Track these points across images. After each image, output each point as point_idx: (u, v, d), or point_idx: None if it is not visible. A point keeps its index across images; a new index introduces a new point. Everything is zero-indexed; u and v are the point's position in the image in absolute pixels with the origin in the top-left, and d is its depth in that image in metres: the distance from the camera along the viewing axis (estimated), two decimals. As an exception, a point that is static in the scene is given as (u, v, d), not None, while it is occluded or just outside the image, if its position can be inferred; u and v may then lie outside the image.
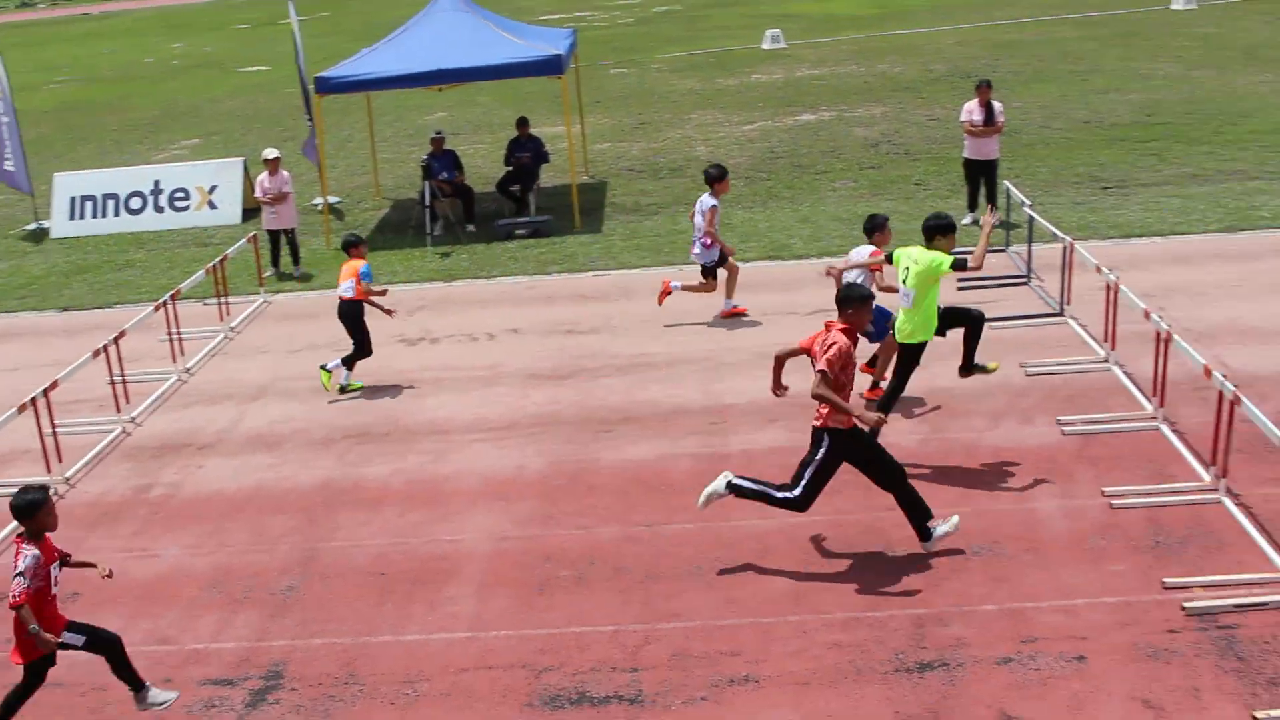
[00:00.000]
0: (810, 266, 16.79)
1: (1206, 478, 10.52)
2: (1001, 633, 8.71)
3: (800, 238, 18.00)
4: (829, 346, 9.36)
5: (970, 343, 11.39)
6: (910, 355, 11.20)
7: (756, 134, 25.20)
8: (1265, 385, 12.21)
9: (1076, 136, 23.05)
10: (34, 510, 7.95)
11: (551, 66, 19.10)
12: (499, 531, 10.62)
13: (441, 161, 20.30)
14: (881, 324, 12.21)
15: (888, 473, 9.68)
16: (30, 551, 7.85)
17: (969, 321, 11.36)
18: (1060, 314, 14.40)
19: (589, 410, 12.90)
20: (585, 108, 25.75)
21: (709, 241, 14.96)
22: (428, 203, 19.76)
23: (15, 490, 8.09)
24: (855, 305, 9.60)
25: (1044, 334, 13.96)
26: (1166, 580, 9.15)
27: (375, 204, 22.40)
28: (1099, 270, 12.88)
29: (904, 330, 11.12)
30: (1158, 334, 11.29)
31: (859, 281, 12.33)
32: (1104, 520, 10.08)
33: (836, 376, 9.33)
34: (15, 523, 8.07)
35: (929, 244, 11.06)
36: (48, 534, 8.07)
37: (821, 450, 9.56)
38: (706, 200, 14.94)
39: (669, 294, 15.27)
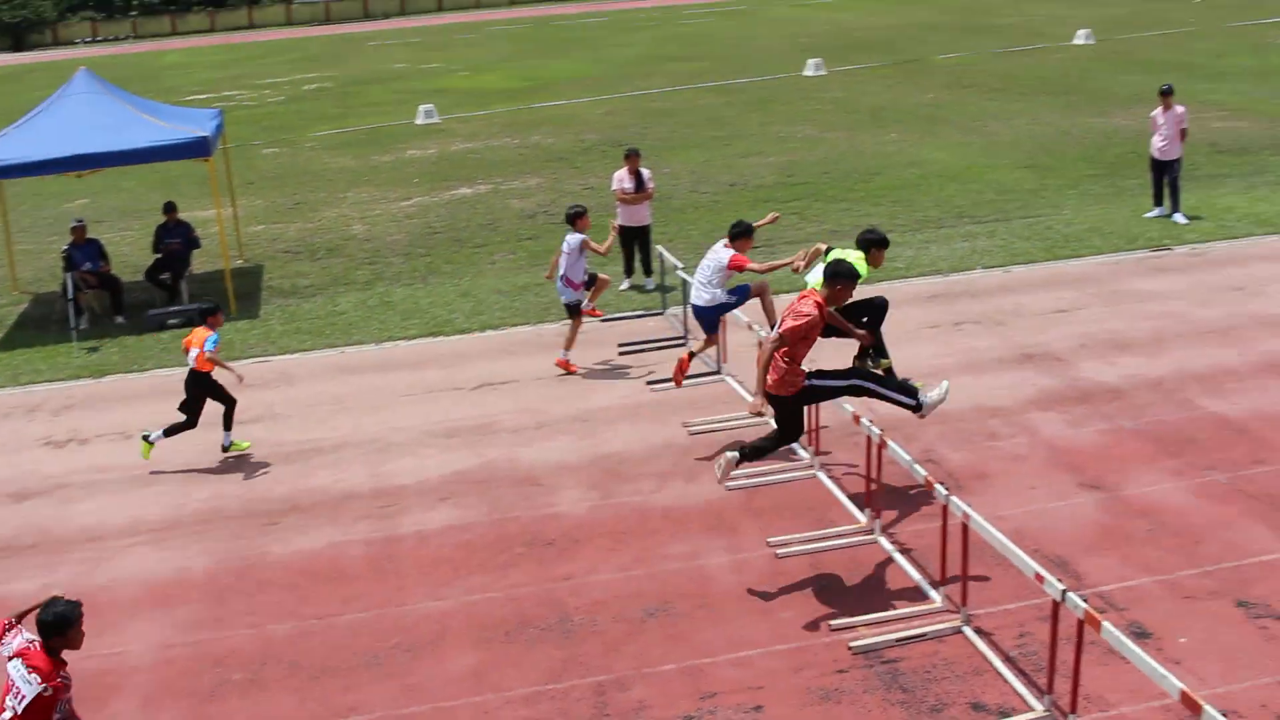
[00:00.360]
0: (475, 339, 16.80)
1: (862, 519, 11.05)
2: (681, 691, 8.86)
3: (462, 313, 18.01)
4: (799, 316, 9.76)
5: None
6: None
7: (414, 210, 25.14)
8: (910, 426, 12.92)
9: (724, 199, 23.99)
10: (67, 626, 7.16)
11: (198, 148, 18.55)
12: (164, 639, 10.11)
13: (84, 251, 19.36)
14: (742, 295, 13.42)
15: (791, 432, 10.26)
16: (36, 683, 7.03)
17: (871, 312, 12.08)
18: (718, 372, 14.88)
19: (254, 503, 12.47)
20: (237, 190, 25.11)
21: (578, 283, 15.11)
22: (70, 295, 18.78)
23: (43, 603, 7.25)
24: (843, 281, 10.03)
25: (704, 393, 14.39)
26: (832, 623, 9.54)
27: (14, 299, 21.12)
28: (750, 328, 13.38)
29: None
30: (807, 386, 11.79)
31: (716, 283, 13.14)
32: (771, 570, 10.43)
33: (794, 345, 9.71)
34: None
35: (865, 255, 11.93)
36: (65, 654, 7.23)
37: (813, 386, 10.03)
38: (574, 238, 15.00)
39: (570, 369, 15.34)
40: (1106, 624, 7.48)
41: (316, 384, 15.47)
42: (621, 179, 18.32)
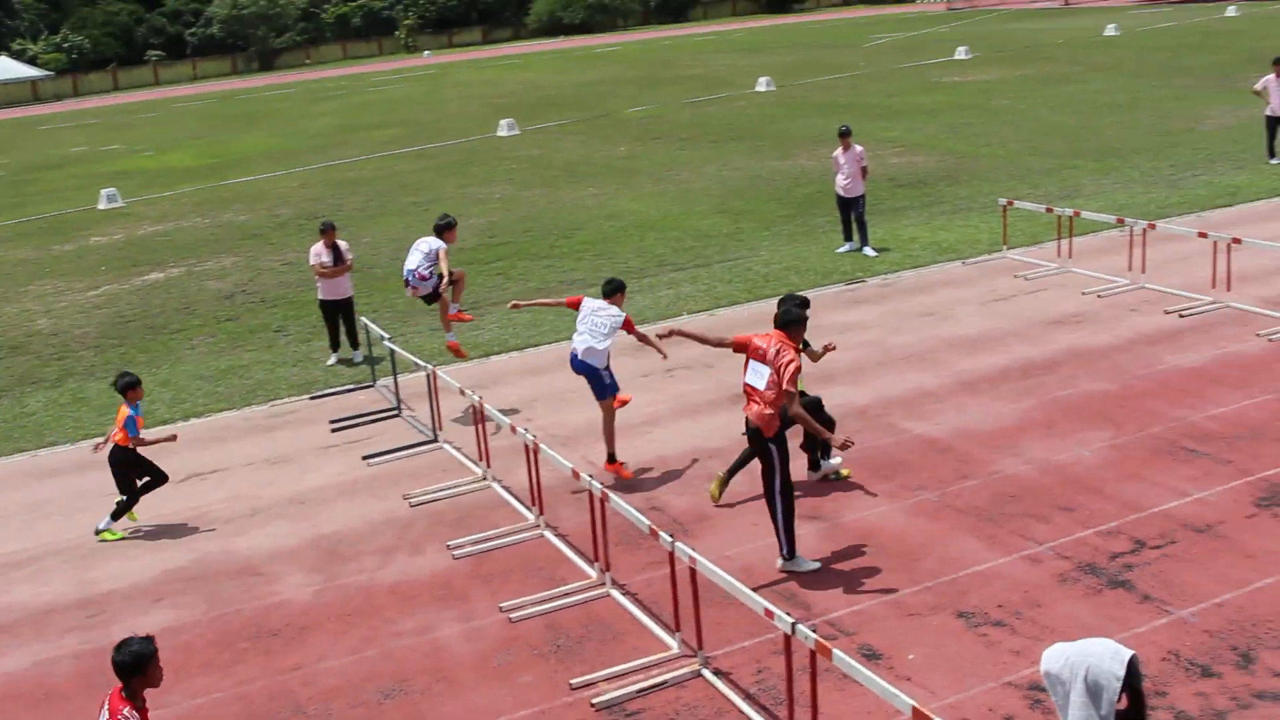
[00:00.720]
0: (179, 429, 16.08)
1: (593, 574, 11.01)
2: (424, 772, 8.60)
3: (163, 402, 17.22)
4: (789, 365, 10.34)
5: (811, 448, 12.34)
6: None
7: (103, 299, 23.99)
8: (632, 477, 13.02)
9: (427, 265, 23.76)
10: (144, 664, 7.15)
11: None
12: None
13: None
14: (612, 385, 13.01)
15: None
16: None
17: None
18: (435, 440, 14.66)
19: (-54, 627, 11.56)
20: (-97, 293, 23.46)
21: (427, 274, 15.42)
22: None
23: (116, 645, 7.22)
24: (794, 328, 10.73)
25: (422, 462, 14.14)
26: (573, 681, 9.44)
27: None
28: (463, 393, 13.24)
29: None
30: (526, 445, 11.73)
31: (611, 337, 12.91)
32: (506, 635, 10.27)
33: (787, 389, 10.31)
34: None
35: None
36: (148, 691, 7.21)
37: (773, 450, 10.58)
38: (435, 242, 15.50)
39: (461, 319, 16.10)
40: (837, 651, 7.63)
41: (8, 493, 14.52)
42: (319, 253, 17.92)
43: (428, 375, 14.42)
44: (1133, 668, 5.72)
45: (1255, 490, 11.54)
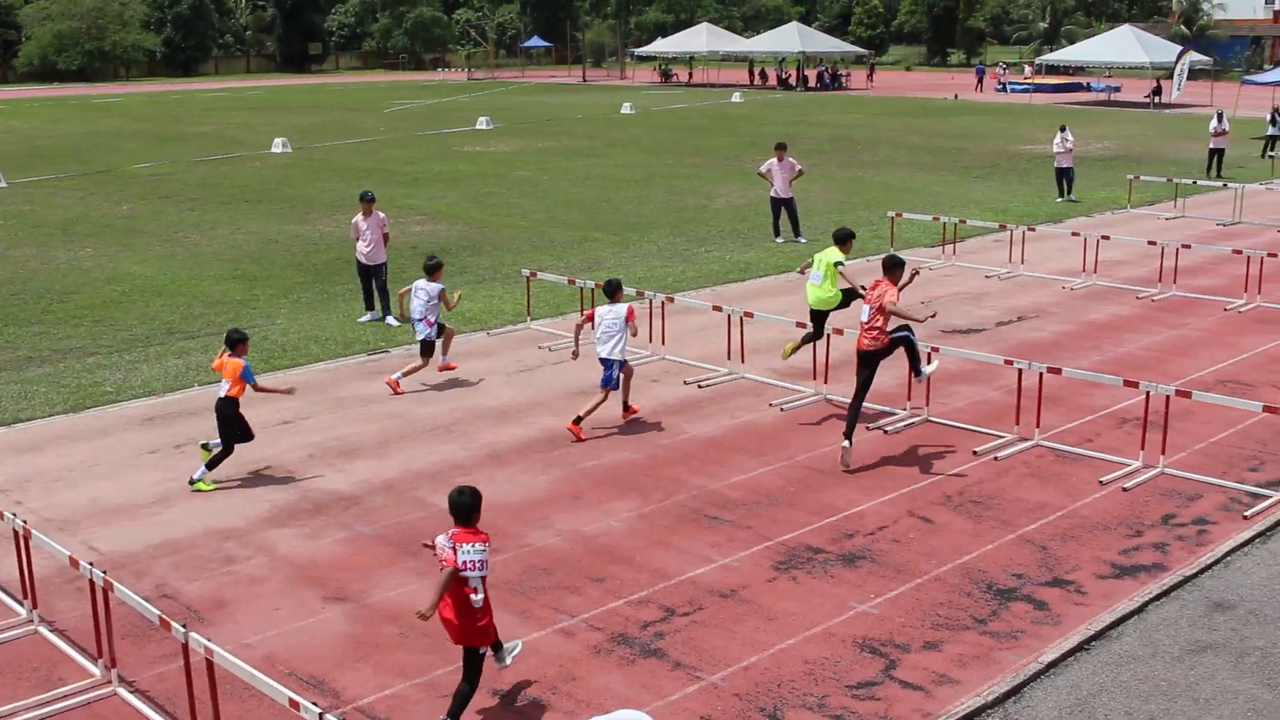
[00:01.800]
0: None
1: (97, 672, 10.00)
2: None
3: None
4: (888, 290, 13.92)
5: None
6: (821, 317, 16.57)
7: None
8: (140, 562, 12.03)
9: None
10: (478, 508, 8.87)
11: None
12: None
13: None
14: (611, 374, 15.31)
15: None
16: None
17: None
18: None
19: None
20: None
21: (432, 320, 16.98)
22: None
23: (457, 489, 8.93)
24: (897, 268, 14.20)
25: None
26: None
27: None
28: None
29: (812, 297, 16.43)
30: (15, 531, 10.53)
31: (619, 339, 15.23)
32: (-9, 749, 9.10)
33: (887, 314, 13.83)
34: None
35: (839, 246, 16.34)
36: None
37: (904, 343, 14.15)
38: (433, 286, 17.01)
39: (398, 388, 16.91)
40: (373, 746, 7.19)
41: None
42: None
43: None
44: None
45: (774, 554, 12.03)
